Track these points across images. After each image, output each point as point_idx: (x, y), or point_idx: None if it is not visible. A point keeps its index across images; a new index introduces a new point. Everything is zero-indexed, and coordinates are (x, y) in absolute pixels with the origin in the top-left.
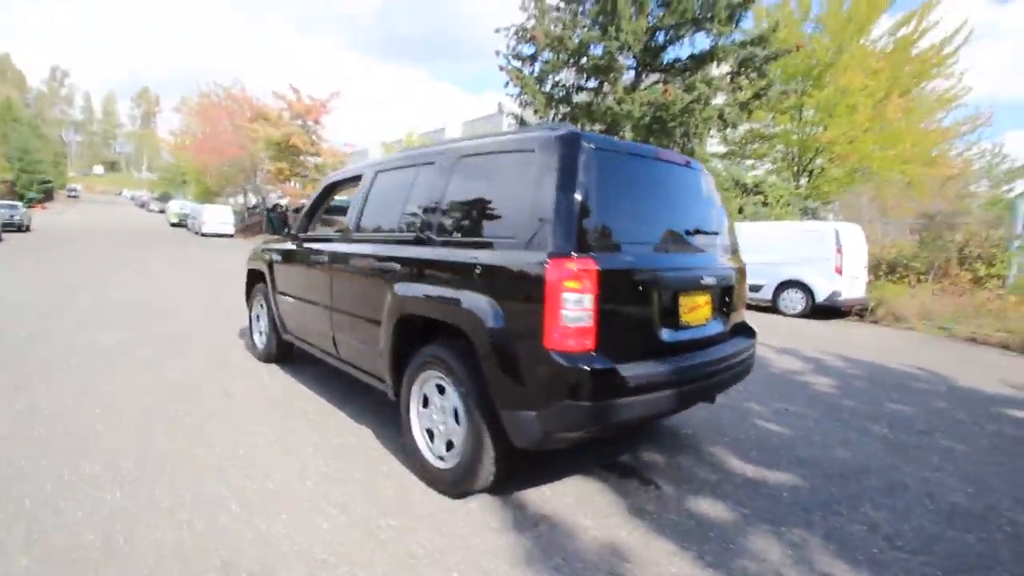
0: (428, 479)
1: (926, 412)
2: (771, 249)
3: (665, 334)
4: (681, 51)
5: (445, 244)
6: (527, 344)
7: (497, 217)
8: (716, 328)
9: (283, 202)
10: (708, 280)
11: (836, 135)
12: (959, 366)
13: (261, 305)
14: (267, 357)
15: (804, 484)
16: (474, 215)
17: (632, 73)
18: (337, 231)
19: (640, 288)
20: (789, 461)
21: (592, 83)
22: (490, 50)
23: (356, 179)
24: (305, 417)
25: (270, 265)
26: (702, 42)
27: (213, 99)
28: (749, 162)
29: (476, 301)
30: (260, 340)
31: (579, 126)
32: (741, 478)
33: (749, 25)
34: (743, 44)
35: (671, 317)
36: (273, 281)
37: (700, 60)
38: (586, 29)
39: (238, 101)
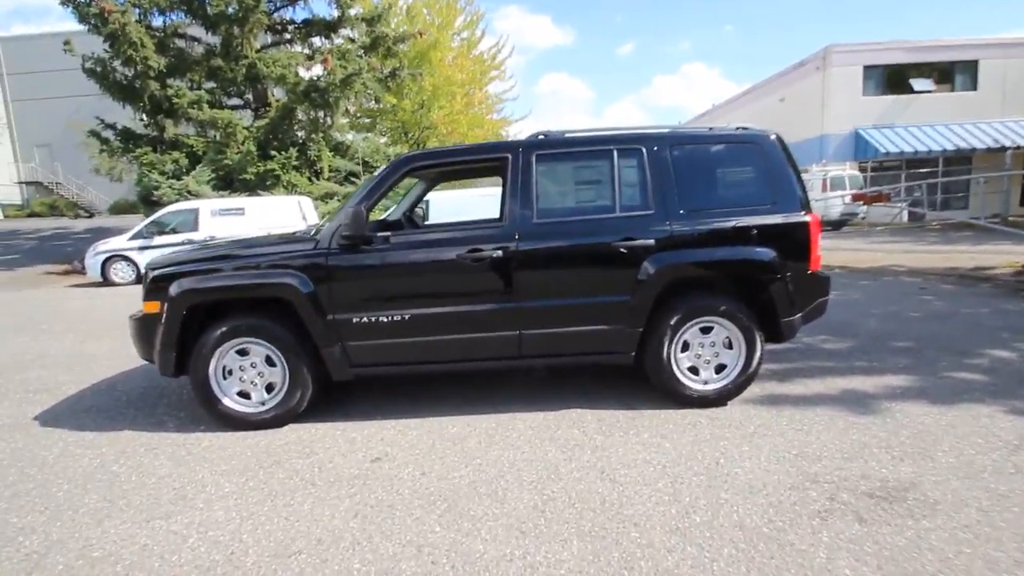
0: (700, 402)
1: None
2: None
3: None
4: (296, 14)
5: (698, 216)
6: (797, 271)
7: (735, 190)
8: None
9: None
10: None
11: (441, 116)
12: None
13: (242, 352)
14: (281, 419)
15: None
16: (713, 190)
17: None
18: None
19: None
20: None
21: (211, 35)
22: None
23: (490, 160)
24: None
25: (317, 282)
26: (322, 9)
27: None
28: (364, 134)
29: (757, 252)
30: (244, 404)
31: (189, 81)
32: None
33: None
34: (364, 20)
35: None
36: (322, 305)
37: (328, 27)
38: None
39: None
